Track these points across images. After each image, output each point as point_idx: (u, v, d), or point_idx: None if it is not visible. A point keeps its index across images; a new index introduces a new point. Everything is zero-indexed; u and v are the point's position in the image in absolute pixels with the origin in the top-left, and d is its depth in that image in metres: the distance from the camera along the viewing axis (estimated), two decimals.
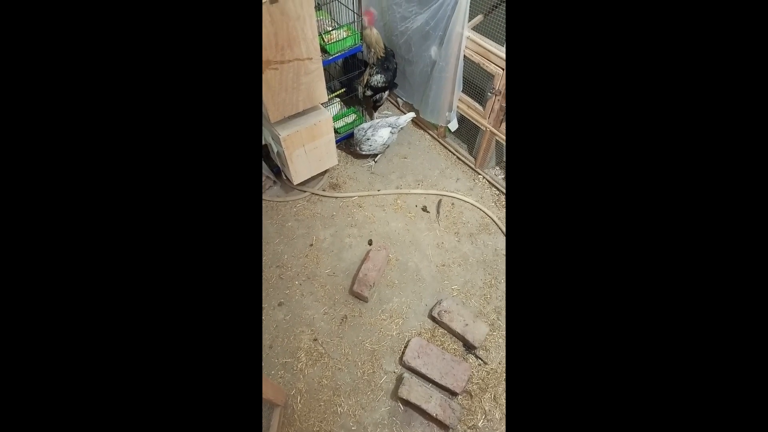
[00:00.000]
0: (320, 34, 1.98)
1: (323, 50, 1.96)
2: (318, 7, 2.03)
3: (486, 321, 1.79)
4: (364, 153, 2.30)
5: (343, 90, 2.28)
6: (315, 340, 1.76)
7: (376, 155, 2.36)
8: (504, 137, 2.00)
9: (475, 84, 2.09)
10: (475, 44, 1.82)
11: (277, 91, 1.62)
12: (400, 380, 1.61)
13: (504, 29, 1.87)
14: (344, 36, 2.02)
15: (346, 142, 2.37)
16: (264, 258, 1.98)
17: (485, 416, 1.58)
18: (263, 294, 1.87)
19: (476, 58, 1.85)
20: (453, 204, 2.20)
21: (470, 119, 2.13)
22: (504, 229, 2.09)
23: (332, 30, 2.05)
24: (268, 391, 1.35)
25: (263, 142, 1.99)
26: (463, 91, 2.06)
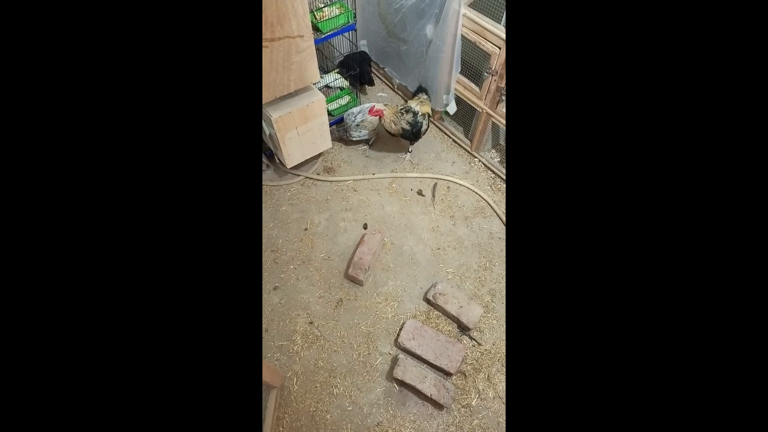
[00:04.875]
0: (312, 12, 1.91)
1: (315, 28, 1.90)
2: None
3: (480, 303, 1.80)
4: (354, 140, 2.26)
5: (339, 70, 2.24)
6: (311, 323, 1.77)
7: (367, 141, 2.32)
8: (500, 119, 1.98)
9: (471, 64, 2.04)
10: (471, 22, 1.77)
11: (267, 70, 1.58)
12: (395, 361, 1.62)
13: (499, 6, 1.81)
14: (337, 13, 1.96)
15: (337, 128, 2.32)
16: None
17: (479, 395, 1.61)
18: None
19: (472, 37, 1.80)
20: (448, 187, 2.18)
21: (466, 100, 2.09)
22: (499, 212, 2.08)
23: (324, 7, 1.99)
24: (264, 374, 1.36)
25: None
26: (460, 72, 2.01)
